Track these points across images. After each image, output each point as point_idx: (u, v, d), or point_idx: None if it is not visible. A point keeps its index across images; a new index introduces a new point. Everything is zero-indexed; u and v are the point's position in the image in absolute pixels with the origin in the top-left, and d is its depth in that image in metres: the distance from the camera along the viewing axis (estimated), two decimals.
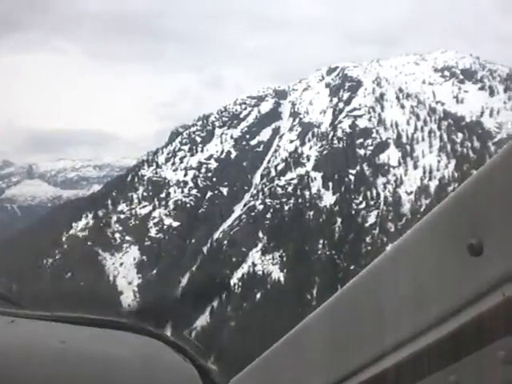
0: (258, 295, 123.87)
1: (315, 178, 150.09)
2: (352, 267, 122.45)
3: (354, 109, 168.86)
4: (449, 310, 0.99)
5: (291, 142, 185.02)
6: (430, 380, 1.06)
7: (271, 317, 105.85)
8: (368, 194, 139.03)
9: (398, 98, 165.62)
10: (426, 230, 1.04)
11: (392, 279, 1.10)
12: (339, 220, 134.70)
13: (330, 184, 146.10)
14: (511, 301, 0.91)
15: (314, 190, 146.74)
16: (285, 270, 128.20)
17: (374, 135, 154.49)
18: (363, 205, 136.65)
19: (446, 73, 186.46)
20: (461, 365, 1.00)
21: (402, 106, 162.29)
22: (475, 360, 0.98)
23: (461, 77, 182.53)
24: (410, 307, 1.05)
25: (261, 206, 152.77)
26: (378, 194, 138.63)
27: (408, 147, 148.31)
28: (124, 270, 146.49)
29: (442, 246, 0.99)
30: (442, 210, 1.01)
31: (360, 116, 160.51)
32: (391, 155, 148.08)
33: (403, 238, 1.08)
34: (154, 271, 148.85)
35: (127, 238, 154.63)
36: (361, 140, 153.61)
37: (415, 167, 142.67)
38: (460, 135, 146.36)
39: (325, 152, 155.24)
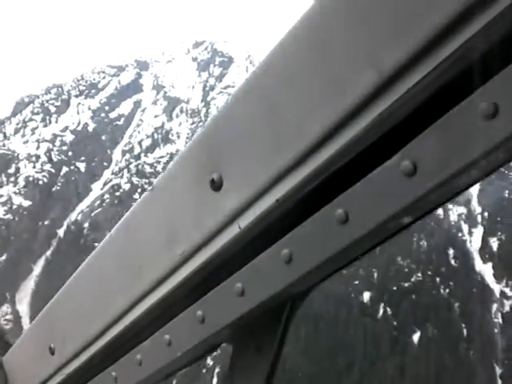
0: None
1: None
2: None
3: (228, 86, 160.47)
4: (194, 247, 1.02)
5: (156, 116, 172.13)
6: (182, 318, 1.11)
7: None
8: None
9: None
10: (176, 168, 1.06)
11: (149, 220, 1.12)
12: None
13: None
14: (245, 232, 0.95)
15: None
16: None
17: None
18: None
19: None
20: (206, 300, 1.06)
21: None
22: (217, 294, 1.04)
23: None
24: (164, 247, 1.08)
25: (127, 185, 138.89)
26: None
27: None
28: None
29: (188, 184, 1.02)
30: (189, 148, 1.03)
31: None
32: None
33: (158, 178, 1.10)
34: (3, 257, 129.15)
35: None
36: None
37: None
38: None
39: (198, 129, 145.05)
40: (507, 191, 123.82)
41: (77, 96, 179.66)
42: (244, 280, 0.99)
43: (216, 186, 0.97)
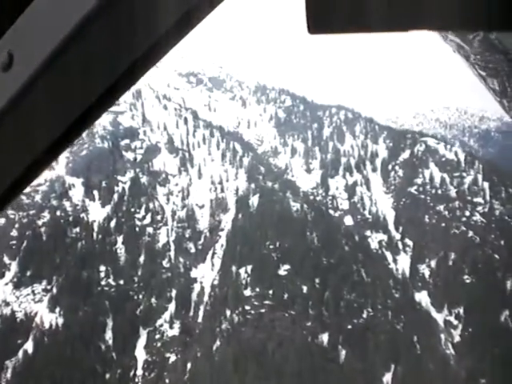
0: (25, 350, 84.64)
1: (74, 185, 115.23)
2: (153, 301, 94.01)
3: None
4: None
5: None
6: None
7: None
8: (151, 206, 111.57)
9: (157, 97, 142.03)
10: None
11: None
12: (120, 239, 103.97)
13: (96, 193, 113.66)
14: None
15: (75, 201, 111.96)
16: (58, 310, 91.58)
17: (141, 137, 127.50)
18: (148, 220, 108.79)
19: (192, 79, 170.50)
20: None
21: (165, 107, 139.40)
22: None
23: (209, 85, 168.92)
24: None
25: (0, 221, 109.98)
26: (162, 207, 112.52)
27: (186, 154, 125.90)
28: None
29: None
30: None
31: (121, 113, 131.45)
32: (166, 161, 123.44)
33: None
34: None
35: None
36: (127, 141, 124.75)
37: (200, 176, 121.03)
38: (237, 145, 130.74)
39: (83, 152, 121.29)
40: (427, 216, 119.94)
41: None
42: None
43: (6, 65, 0.87)
